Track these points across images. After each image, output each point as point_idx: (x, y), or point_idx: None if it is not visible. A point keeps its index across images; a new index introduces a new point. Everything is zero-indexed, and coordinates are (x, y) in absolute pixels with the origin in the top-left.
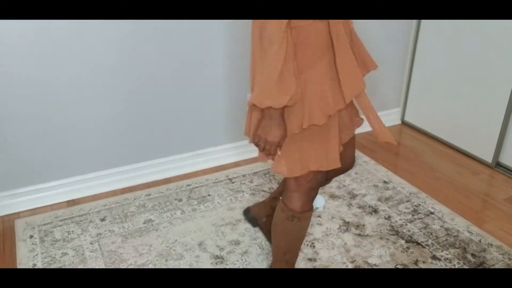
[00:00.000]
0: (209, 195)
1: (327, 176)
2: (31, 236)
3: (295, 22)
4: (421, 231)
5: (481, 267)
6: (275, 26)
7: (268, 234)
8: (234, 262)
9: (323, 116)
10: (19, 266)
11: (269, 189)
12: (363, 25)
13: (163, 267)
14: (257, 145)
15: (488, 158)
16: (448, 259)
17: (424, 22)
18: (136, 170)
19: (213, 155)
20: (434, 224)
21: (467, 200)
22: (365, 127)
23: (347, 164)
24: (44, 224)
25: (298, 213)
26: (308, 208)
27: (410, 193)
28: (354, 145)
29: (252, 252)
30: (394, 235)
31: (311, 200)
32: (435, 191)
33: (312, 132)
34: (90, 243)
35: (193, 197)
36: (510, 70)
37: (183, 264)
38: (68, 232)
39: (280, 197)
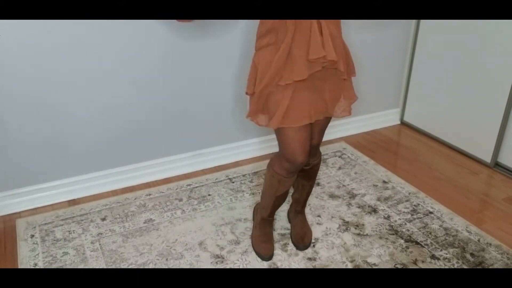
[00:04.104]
0: (209, 194)
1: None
2: (32, 236)
3: None
4: (420, 230)
5: (480, 267)
6: None
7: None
8: (234, 261)
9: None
10: (20, 266)
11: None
12: (363, 25)
13: (164, 266)
14: None
15: (487, 158)
16: (447, 259)
17: (423, 22)
18: (136, 170)
19: (213, 155)
20: (433, 223)
21: (466, 200)
22: (365, 127)
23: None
24: (45, 224)
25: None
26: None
27: (409, 193)
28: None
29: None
30: (393, 234)
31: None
32: (434, 191)
33: None
34: (91, 243)
35: (194, 196)
36: (509, 70)
37: (184, 264)
38: (69, 231)
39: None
